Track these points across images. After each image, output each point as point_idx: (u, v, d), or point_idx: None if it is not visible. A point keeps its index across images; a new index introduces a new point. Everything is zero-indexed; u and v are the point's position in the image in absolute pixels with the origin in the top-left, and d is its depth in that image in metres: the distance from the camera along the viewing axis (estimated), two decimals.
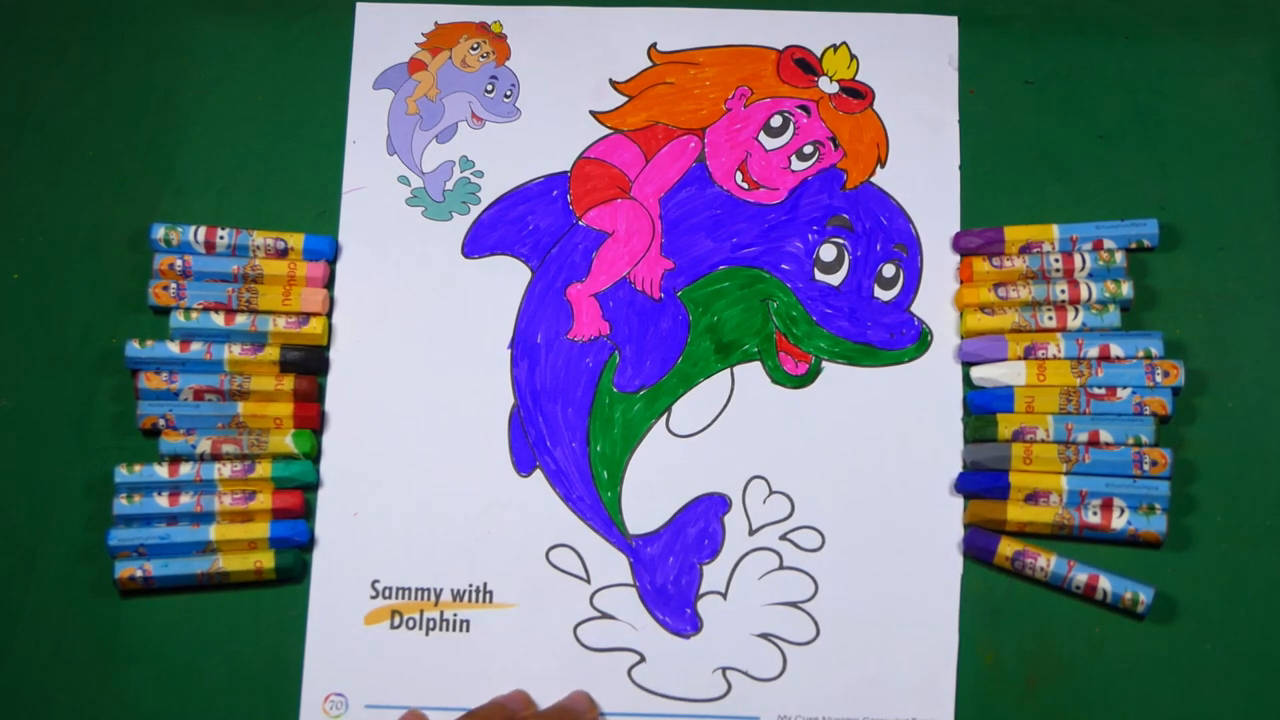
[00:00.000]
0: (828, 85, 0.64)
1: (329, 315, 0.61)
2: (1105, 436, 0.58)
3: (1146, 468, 0.58)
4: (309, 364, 0.60)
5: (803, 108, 0.63)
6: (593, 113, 0.64)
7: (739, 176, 0.63)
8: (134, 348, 0.59)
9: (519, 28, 0.65)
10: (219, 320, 0.60)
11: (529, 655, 0.58)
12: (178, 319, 0.60)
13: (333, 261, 0.62)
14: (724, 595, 0.58)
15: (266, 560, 0.57)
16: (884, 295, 0.61)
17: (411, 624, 0.58)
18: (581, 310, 0.61)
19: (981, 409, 0.59)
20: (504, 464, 0.60)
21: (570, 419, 0.60)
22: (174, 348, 0.59)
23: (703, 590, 0.58)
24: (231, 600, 0.58)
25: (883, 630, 0.58)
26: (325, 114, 0.64)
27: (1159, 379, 0.59)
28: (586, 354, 0.61)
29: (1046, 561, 0.57)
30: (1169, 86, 0.64)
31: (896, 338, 0.61)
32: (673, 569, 0.59)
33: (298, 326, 0.60)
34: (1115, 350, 0.59)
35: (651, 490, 0.59)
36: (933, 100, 0.64)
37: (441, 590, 0.58)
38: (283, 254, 0.61)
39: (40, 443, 0.60)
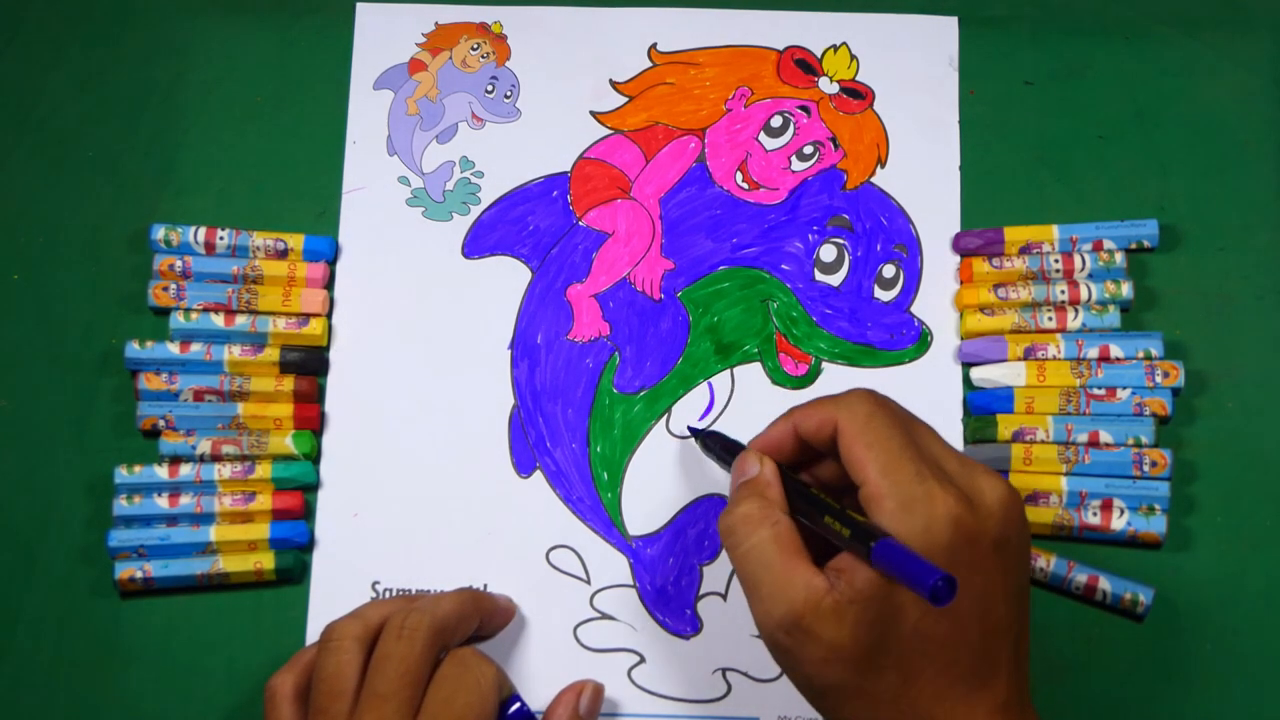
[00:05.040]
0: (828, 85, 0.64)
1: (329, 316, 0.61)
2: (1105, 437, 0.58)
3: (1146, 468, 0.58)
4: (309, 365, 0.60)
5: (803, 108, 0.63)
6: (593, 113, 0.64)
7: (739, 177, 0.63)
8: (134, 348, 0.59)
9: (519, 28, 0.65)
10: (219, 321, 0.60)
11: (529, 655, 0.58)
12: (178, 320, 0.60)
13: (333, 262, 0.62)
14: (724, 596, 0.58)
15: (266, 561, 0.58)
16: (884, 296, 0.61)
17: None
18: (581, 311, 0.61)
19: (981, 410, 0.59)
20: (504, 465, 0.60)
21: (570, 420, 0.60)
22: (174, 348, 0.59)
23: (703, 591, 0.58)
24: (231, 601, 0.58)
25: None
26: (325, 114, 0.64)
27: (1159, 379, 0.59)
28: (586, 355, 0.61)
29: (1046, 562, 0.57)
30: (1169, 86, 0.64)
31: (896, 338, 0.61)
32: (673, 570, 0.59)
33: (297, 327, 0.60)
34: (1115, 351, 0.59)
35: (651, 491, 0.59)
36: (933, 100, 0.64)
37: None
38: (283, 255, 0.61)
39: (40, 443, 0.60)
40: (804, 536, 0.47)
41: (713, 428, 0.59)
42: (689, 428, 0.59)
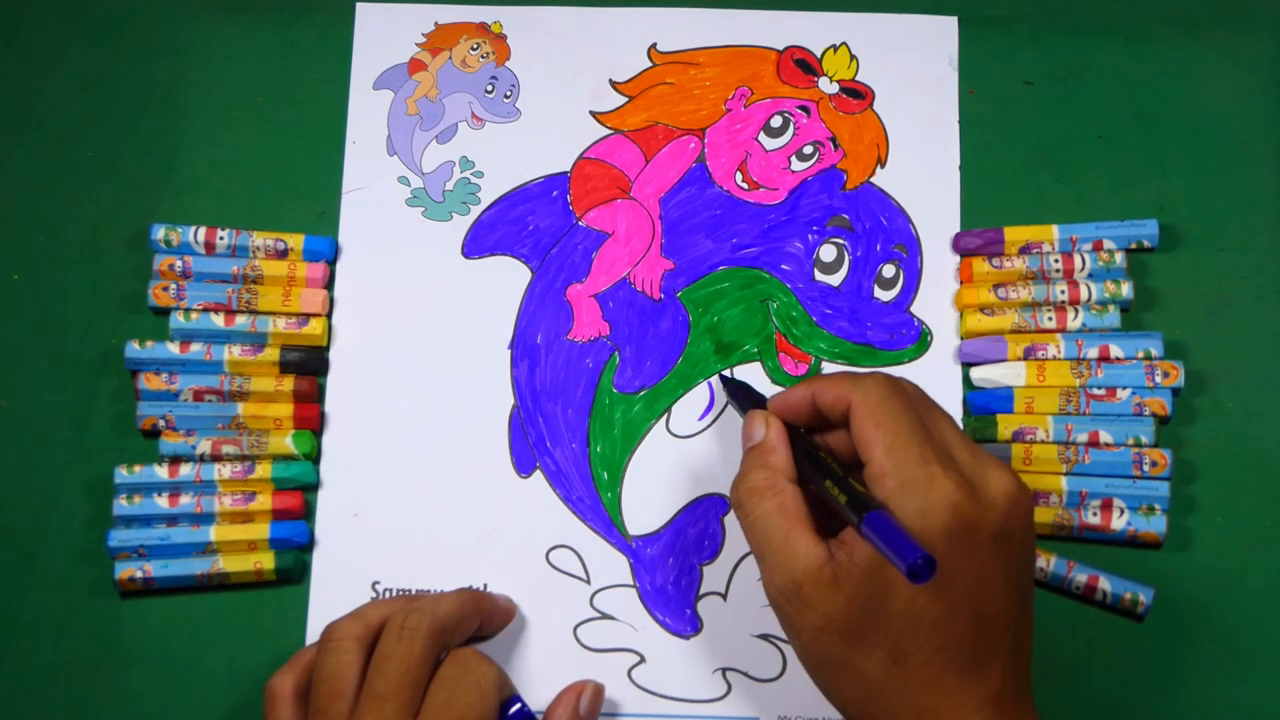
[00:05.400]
0: (828, 85, 0.64)
1: (329, 316, 0.61)
2: (1105, 437, 0.58)
3: (1146, 468, 0.58)
4: (309, 365, 0.60)
5: (803, 108, 0.63)
6: (593, 113, 0.64)
7: (739, 177, 0.63)
8: (134, 348, 0.59)
9: (519, 28, 0.65)
10: (219, 321, 0.60)
11: (529, 655, 0.58)
12: (178, 320, 0.60)
13: (333, 262, 0.62)
14: (724, 596, 0.58)
15: (266, 561, 0.58)
16: (884, 296, 0.61)
17: None
18: (581, 311, 0.61)
19: (981, 410, 0.59)
20: (504, 464, 0.60)
21: (570, 420, 0.60)
22: (174, 348, 0.59)
23: (703, 591, 0.58)
24: (231, 600, 0.58)
25: None
26: (325, 114, 0.64)
27: (1159, 379, 0.59)
28: (586, 355, 0.61)
29: (1046, 562, 0.57)
30: (1169, 86, 0.64)
31: (896, 338, 0.61)
32: (673, 570, 0.59)
33: (297, 327, 0.60)
34: (1115, 351, 0.59)
35: (651, 491, 0.59)
36: (933, 100, 0.64)
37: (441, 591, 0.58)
38: (282, 255, 0.61)
39: (40, 443, 0.60)
40: (813, 506, 0.48)
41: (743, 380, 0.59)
42: (720, 375, 0.58)
